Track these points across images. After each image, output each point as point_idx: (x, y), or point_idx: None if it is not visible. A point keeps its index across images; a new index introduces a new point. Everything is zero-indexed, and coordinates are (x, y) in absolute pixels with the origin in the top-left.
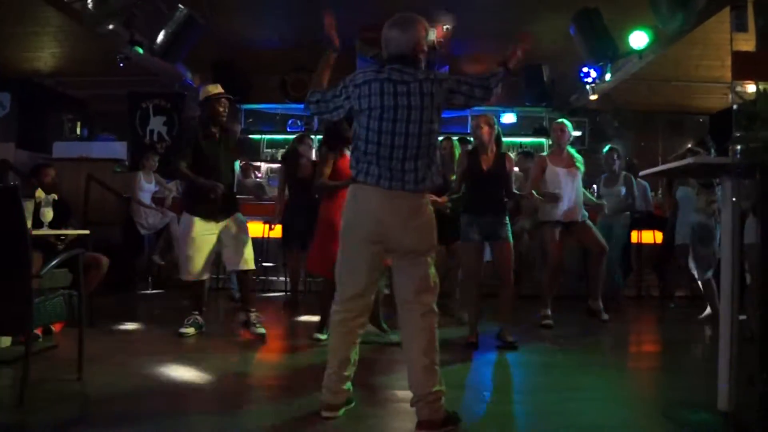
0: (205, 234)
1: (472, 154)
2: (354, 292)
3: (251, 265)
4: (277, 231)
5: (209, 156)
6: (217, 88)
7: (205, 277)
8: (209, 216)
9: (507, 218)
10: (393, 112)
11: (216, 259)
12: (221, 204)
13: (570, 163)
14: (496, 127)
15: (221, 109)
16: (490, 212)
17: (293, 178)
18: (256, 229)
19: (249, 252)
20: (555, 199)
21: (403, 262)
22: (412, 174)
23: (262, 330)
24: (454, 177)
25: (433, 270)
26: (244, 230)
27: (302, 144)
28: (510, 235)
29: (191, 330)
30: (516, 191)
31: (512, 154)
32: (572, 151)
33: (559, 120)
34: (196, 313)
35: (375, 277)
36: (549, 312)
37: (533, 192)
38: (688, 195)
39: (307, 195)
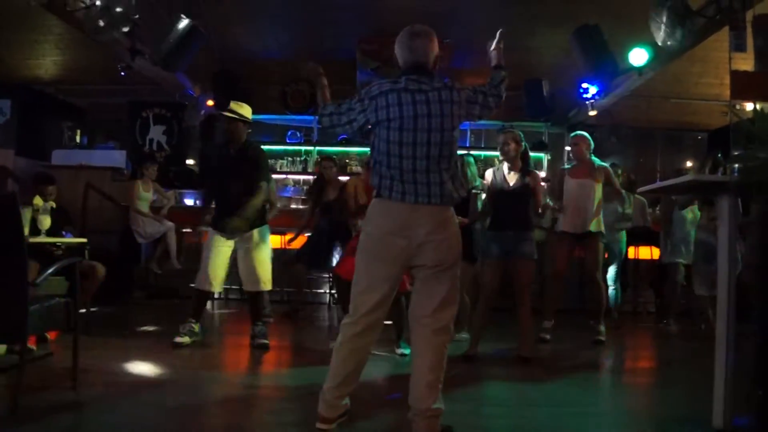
0: (220, 247)
1: (498, 170)
2: (370, 307)
3: (264, 287)
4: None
5: (218, 171)
6: (239, 107)
7: (216, 289)
8: (222, 231)
9: (532, 234)
10: (413, 122)
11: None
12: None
13: (587, 173)
14: (522, 143)
15: (230, 127)
16: (513, 228)
17: (317, 201)
18: None
19: (263, 272)
20: (557, 209)
21: (427, 274)
22: (438, 187)
23: (263, 341)
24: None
25: (456, 286)
26: (259, 250)
27: (322, 167)
28: (533, 252)
29: (186, 339)
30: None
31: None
32: (595, 160)
33: (576, 133)
34: (193, 321)
35: (391, 293)
36: (549, 325)
37: (549, 202)
38: (679, 214)
39: (328, 218)
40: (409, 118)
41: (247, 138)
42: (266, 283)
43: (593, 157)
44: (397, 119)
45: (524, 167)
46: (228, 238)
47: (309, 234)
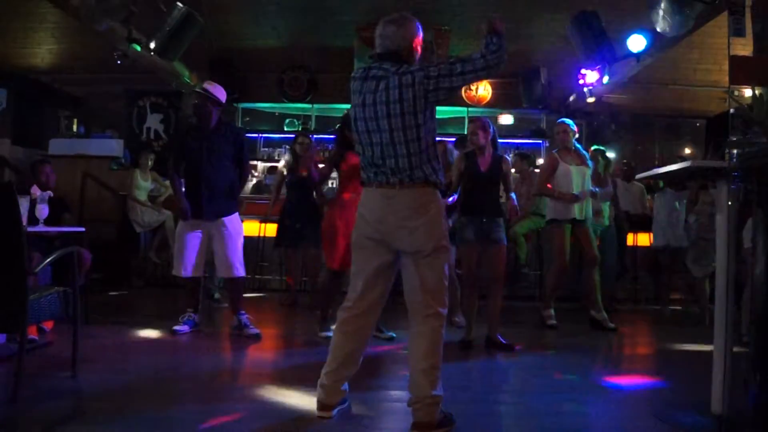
0: (193, 232)
1: (470, 156)
2: (361, 292)
3: (238, 273)
4: (271, 230)
5: (192, 152)
6: (204, 84)
7: (196, 274)
8: (194, 215)
9: (502, 220)
10: (372, 109)
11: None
12: (208, 205)
13: (580, 160)
14: (490, 130)
15: (197, 103)
16: (486, 214)
17: (292, 177)
18: (253, 227)
19: (237, 258)
20: (576, 199)
21: (409, 261)
22: (408, 172)
23: (255, 330)
24: None
25: (443, 272)
26: (233, 235)
27: (296, 143)
28: (504, 238)
29: (185, 328)
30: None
31: (509, 156)
32: (579, 147)
33: (561, 120)
34: (191, 310)
35: (383, 278)
36: (552, 312)
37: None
38: (666, 197)
39: (304, 194)
40: (369, 106)
41: (221, 119)
42: (239, 268)
43: (577, 145)
44: (359, 107)
45: (494, 152)
46: (204, 222)
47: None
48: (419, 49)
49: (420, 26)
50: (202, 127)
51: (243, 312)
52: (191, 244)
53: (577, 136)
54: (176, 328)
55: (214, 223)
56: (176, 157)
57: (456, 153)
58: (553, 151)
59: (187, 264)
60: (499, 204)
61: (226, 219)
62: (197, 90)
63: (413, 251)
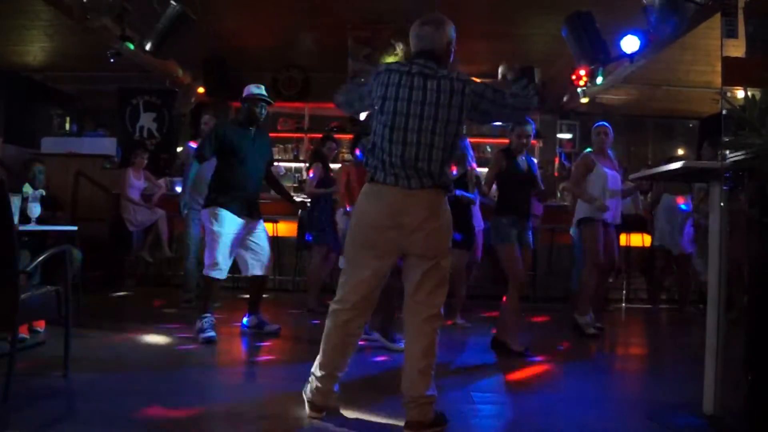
0: (232, 231)
1: (509, 156)
2: (360, 297)
3: (268, 272)
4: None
5: (241, 152)
6: (259, 89)
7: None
8: (239, 212)
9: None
10: (407, 106)
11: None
12: (253, 205)
13: (612, 164)
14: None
15: (257, 111)
16: (525, 215)
17: (321, 181)
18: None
19: (268, 259)
20: (604, 208)
21: (418, 263)
22: (430, 176)
23: (275, 327)
24: None
25: (446, 273)
26: (266, 236)
27: (324, 147)
28: (531, 241)
29: (214, 332)
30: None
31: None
32: (610, 152)
33: (600, 123)
34: (209, 314)
35: (381, 283)
36: (590, 319)
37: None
38: (666, 201)
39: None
40: (404, 101)
41: None
42: (269, 267)
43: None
44: (392, 100)
45: (526, 154)
46: (243, 221)
47: (313, 213)
48: (453, 51)
49: (454, 28)
50: (249, 129)
51: (259, 312)
52: (229, 245)
53: (612, 139)
54: (206, 335)
55: (255, 223)
56: (210, 145)
57: (470, 149)
58: (588, 152)
59: (224, 264)
60: (531, 206)
61: (262, 220)
62: (265, 99)
63: (426, 254)
